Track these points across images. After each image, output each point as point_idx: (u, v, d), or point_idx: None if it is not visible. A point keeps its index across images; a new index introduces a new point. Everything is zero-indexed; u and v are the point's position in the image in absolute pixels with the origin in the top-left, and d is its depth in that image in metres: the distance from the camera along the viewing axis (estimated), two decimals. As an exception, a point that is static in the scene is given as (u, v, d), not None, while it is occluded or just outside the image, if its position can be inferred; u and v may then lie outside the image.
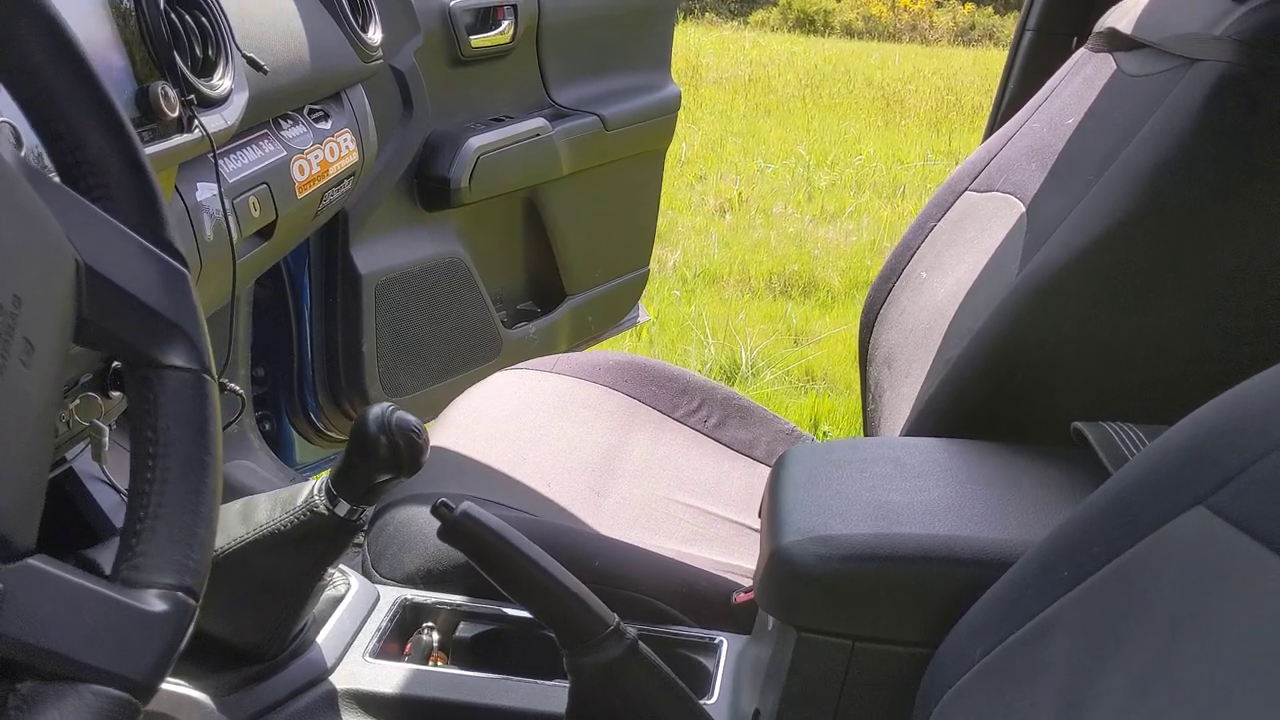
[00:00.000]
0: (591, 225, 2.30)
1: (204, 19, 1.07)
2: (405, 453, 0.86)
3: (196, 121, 1.00)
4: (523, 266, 2.25)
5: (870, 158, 6.84)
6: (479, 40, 1.94)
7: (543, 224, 2.20)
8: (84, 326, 0.55)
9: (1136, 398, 0.99)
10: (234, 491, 1.09)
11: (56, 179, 0.57)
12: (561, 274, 2.27)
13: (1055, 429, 0.96)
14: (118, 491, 0.96)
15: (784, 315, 3.90)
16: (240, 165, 1.20)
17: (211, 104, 1.04)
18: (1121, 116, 1.07)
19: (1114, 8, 1.26)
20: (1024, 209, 1.16)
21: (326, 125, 1.43)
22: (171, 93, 0.96)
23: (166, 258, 0.59)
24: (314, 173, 1.36)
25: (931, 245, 1.34)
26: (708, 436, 1.43)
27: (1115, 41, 1.18)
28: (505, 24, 1.98)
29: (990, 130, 1.56)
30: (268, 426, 1.89)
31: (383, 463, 0.86)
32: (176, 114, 0.97)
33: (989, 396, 1.03)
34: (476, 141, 1.92)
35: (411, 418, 0.87)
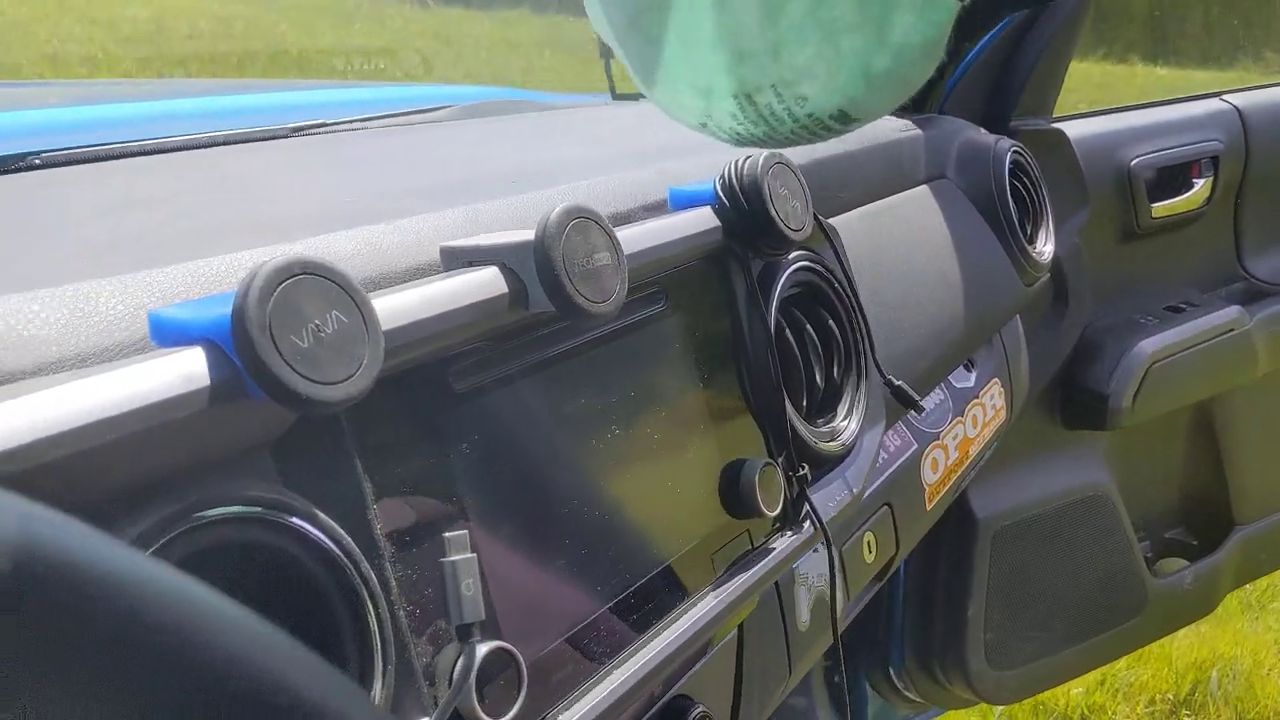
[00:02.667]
0: (1285, 437, 1.70)
1: (831, 323, 0.69)
2: None
3: (807, 508, 0.63)
4: (1177, 488, 1.69)
5: None
6: (1162, 208, 1.44)
7: (1214, 436, 1.64)
8: None
9: None
10: None
11: None
12: (1231, 498, 1.69)
13: None
14: None
15: None
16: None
17: (828, 462, 0.66)
18: None
19: None
20: None
21: (969, 381, 1.02)
22: (777, 474, 0.60)
23: None
24: (951, 462, 0.95)
25: None
26: None
27: None
28: (1200, 183, 1.47)
29: None
30: (836, 678, 1.52)
31: None
32: (780, 509, 0.60)
33: None
34: (1149, 346, 1.42)
35: None
